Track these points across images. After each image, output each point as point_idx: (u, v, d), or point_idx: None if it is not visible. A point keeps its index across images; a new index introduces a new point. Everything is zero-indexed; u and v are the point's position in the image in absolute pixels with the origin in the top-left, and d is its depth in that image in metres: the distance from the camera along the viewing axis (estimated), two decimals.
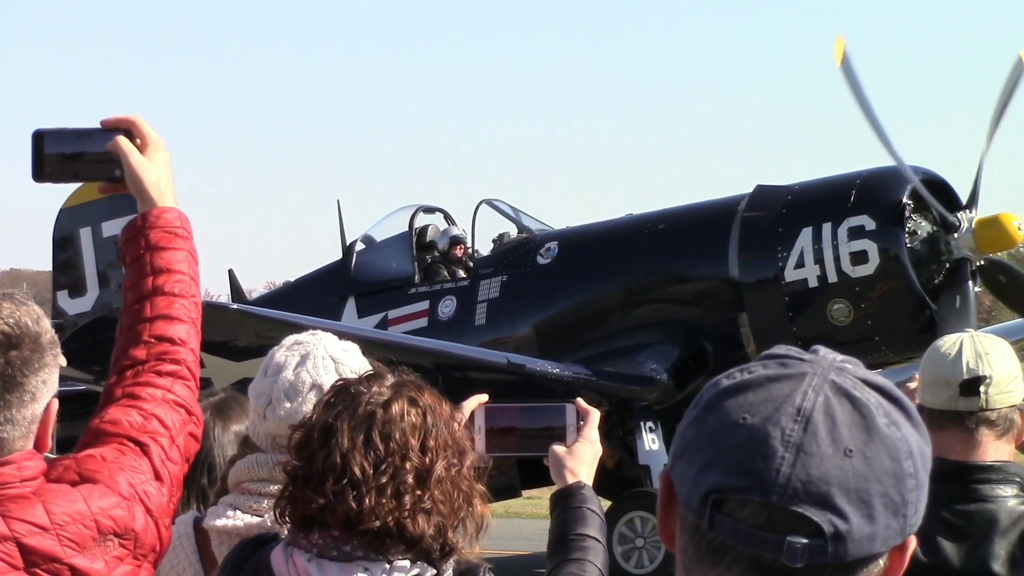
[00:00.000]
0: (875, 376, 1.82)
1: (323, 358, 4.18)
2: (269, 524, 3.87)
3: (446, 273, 16.96)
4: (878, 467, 1.77)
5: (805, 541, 1.73)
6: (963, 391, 4.13)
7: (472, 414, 4.17)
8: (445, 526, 3.46)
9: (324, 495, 3.40)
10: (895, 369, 14.23)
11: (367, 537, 3.40)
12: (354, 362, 4.21)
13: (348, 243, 17.66)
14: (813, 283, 14.35)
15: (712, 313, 14.77)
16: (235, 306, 13.56)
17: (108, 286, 18.93)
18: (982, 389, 4.12)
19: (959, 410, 4.13)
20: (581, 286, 16.08)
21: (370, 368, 3.91)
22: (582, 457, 3.94)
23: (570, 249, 16.34)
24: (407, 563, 3.40)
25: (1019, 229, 13.53)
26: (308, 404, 4.05)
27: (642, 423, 14.15)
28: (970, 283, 13.59)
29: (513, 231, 16.96)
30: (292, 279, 19.03)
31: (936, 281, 13.71)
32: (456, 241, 17.16)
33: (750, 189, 15.45)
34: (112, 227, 18.79)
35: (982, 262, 13.82)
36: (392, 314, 16.39)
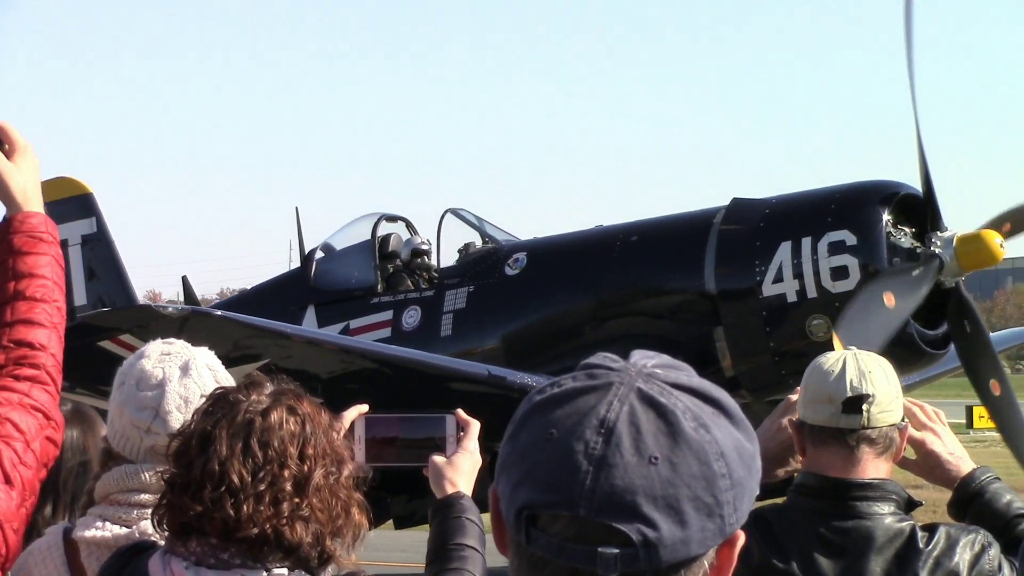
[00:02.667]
0: (691, 379, 1.89)
1: (203, 367, 4.29)
2: (138, 535, 3.96)
3: (410, 283, 16.96)
4: (686, 472, 1.82)
5: (616, 551, 1.80)
6: (846, 409, 4.26)
7: (352, 424, 4.32)
8: (323, 534, 3.58)
9: (202, 502, 3.49)
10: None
11: (245, 544, 3.52)
12: (215, 363, 4.39)
13: (307, 251, 17.74)
14: (792, 298, 14.22)
15: (687, 327, 14.70)
16: (218, 313, 13.60)
17: None
18: (864, 407, 4.26)
19: (841, 427, 4.26)
20: (551, 298, 16.02)
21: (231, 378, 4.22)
22: (461, 468, 4.07)
23: (539, 260, 16.31)
24: (284, 571, 3.54)
25: (1001, 246, 13.47)
26: (173, 417, 4.16)
27: None
28: (968, 299, 13.66)
29: (478, 241, 17.02)
30: (248, 287, 19.14)
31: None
32: (419, 251, 17.14)
33: (723, 202, 15.38)
34: (60, 231, 18.44)
35: (957, 283, 13.78)
36: (354, 323, 16.36)
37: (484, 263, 16.57)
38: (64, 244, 18.40)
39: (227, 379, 4.31)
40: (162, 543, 3.62)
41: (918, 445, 4.60)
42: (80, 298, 18.55)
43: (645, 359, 1.94)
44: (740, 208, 14.96)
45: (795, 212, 14.57)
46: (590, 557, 1.82)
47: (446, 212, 17.03)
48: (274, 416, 3.59)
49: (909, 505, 4.34)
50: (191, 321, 12.98)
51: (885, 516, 4.27)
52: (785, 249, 14.28)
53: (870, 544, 4.24)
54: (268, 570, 3.55)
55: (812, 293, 14.06)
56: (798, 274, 14.15)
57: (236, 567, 3.54)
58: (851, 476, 4.28)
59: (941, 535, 4.24)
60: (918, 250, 13.64)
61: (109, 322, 13.51)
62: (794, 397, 4.50)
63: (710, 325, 14.63)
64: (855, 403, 4.28)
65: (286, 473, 3.55)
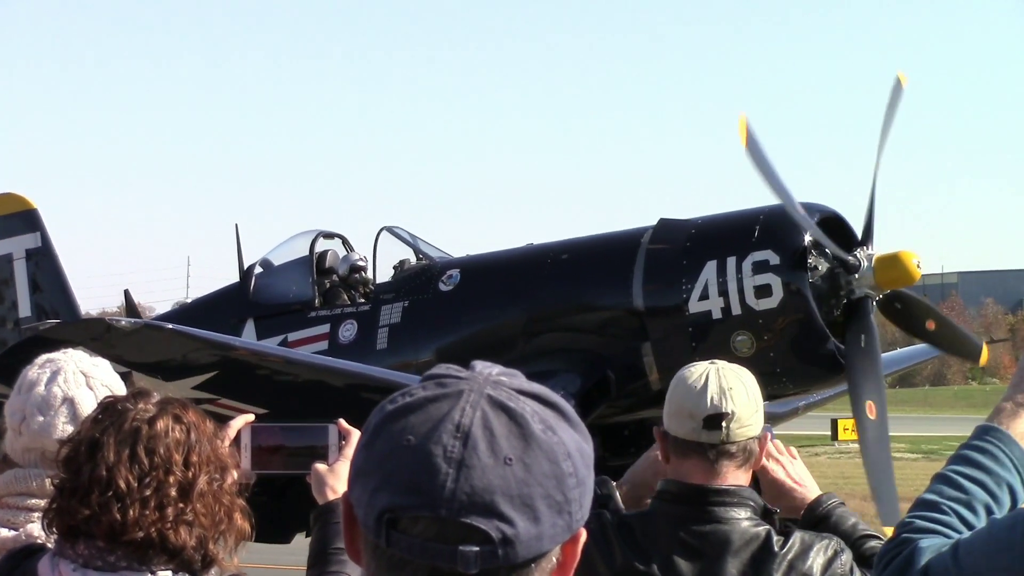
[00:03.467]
0: (532, 385, 1.95)
1: (73, 373, 4.31)
2: (24, 538, 4.01)
3: (346, 297, 17.05)
4: (538, 471, 1.88)
5: (476, 549, 1.84)
6: (706, 425, 4.31)
7: (239, 432, 4.34)
8: (206, 538, 3.61)
9: (90, 507, 3.50)
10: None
11: (131, 547, 3.52)
12: (105, 376, 4.39)
13: (246, 266, 17.74)
14: (717, 315, 14.34)
15: (615, 342, 14.76)
16: (169, 326, 13.69)
17: (2, 302, 18.95)
18: (724, 424, 4.32)
19: (701, 441, 4.32)
20: (483, 313, 16.11)
21: (123, 383, 4.21)
22: (342, 475, 4.07)
23: (472, 277, 16.39)
24: (169, 573, 3.55)
25: (918, 267, 13.73)
26: (60, 417, 4.26)
27: None
28: (872, 319, 13.78)
29: (413, 258, 17.08)
30: (188, 300, 19.11)
31: (836, 314, 13.90)
32: (355, 267, 17.27)
33: (650, 222, 15.47)
34: (4, 245, 18.94)
35: (881, 297, 14.04)
36: (292, 336, 16.43)
37: (419, 279, 16.63)
38: (8, 258, 18.41)
39: (106, 383, 4.38)
40: (51, 546, 3.65)
41: (762, 473, 4.64)
42: (24, 310, 18.73)
43: (488, 368, 1.99)
44: (667, 228, 15.09)
45: (720, 232, 14.71)
46: (451, 555, 1.87)
47: (382, 230, 17.14)
48: (160, 424, 3.63)
49: (766, 513, 4.40)
50: (143, 333, 13.05)
51: (742, 520, 4.33)
52: (711, 268, 14.41)
53: (727, 547, 4.30)
54: (153, 572, 3.59)
55: (736, 310, 14.20)
56: (723, 292, 14.28)
57: (122, 569, 3.57)
58: (710, 484, 4.35)
59: (796, 539, 4.32)
60: (837, 271, 13.91)
61: (63, 335, 13.28)
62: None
63: (638, 340, 14.70)
64: (715, 420, 4.36)
65: (171, 479, 3.60)
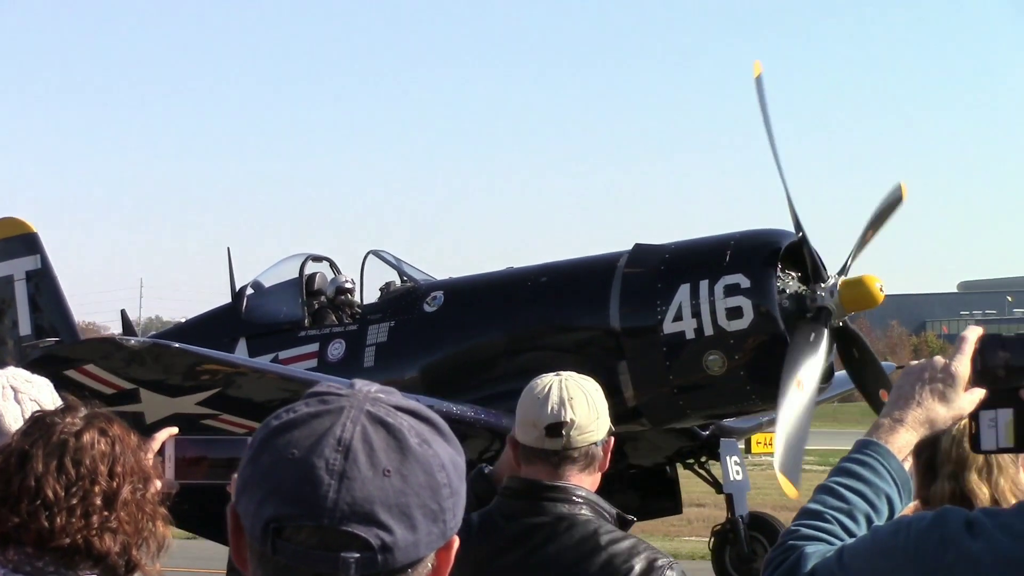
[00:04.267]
0: (407, 401, 2.02)
1: (2, 387, 4.41)
2: None
3: (334, 318, 17.31)
4: (414, 482, 1.94)
5: (357, 555, 1.91)
6: (548, 433, 4.45)
7: (163, 445, 4.39)
8: (130, 544, 3.65)
9: (19, 515, 3.57)
10: None
11: (58, 553, 3.58)
12: (36, 392, 4.47)
13: (238, 288, 17.97)
14: (690, 335, 14.63)
15: (593, 361, 14.74)
16: (176, 345, 13.96)
17: (2, 321, 19.19)
18: (564, 432, 4.44)
19: (545, 448, 4.46)
20: (466, 333, 16.33)
21: (59, 399, 4.22)
22: None
23: (455, 298, 16.65)
24: None
25: (881, 290, 14.13)
26: None
27: (728, 457, 15.10)
28: (827, 328, 14.06)
29: (398, 280, 17.29)
30: (183, 319, 19.43)
31: None
32: (342, 289, 17.52)
33: (625, 247, 15.79)
34: (5, 267, 19.19)
35: (844, 321, 14.44)
36: (283, 354, 16.67)
37: (404, 300, 16.89)
38: (9, 279, 18.68)
39: (35, 398, 4.42)
40: None
41: None
42: (25, 328, 18.98)
43: (367, 386, 2.04)
44: (642, 253, 15.43)
45: (693, 257, 15.05)
46: (333, 562, 1.92)
47: (368, 253, 17.48)
48: (86, 437, 3.68)
49: (622, 522, 4.52)
50: (151, 351, 13.48)
51: (573, 515, 4.45)
52: (684, 291, 14.76)
53: (552, 537, 4.42)
54: None
55: (709, 331, 14.55)
56: (696, 313, 14.62)
57: (50, 574, 3.61)
58: (546, 481, 4.48)
59: (627, 543, 4.42)
60: (803, 293, 14.32)
61: (75, 354, 13.85)
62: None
63: (614, 359, 15.02)
64: (556, 428, 4.47)
65: (96, 489, 3.63)
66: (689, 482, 18.11)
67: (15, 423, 4.25)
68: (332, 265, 17.94)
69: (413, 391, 15.17)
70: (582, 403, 4.49)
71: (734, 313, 14.49)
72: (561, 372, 4.59)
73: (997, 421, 3.07)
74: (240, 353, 16.57)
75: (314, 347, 16.85)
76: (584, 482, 4.52)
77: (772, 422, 18.31)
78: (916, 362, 3.19)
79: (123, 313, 20.01)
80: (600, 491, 4.65)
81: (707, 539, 17.15)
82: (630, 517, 4.59)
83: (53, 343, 18.64)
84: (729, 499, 15.62)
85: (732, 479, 15.16)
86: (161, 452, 4.40)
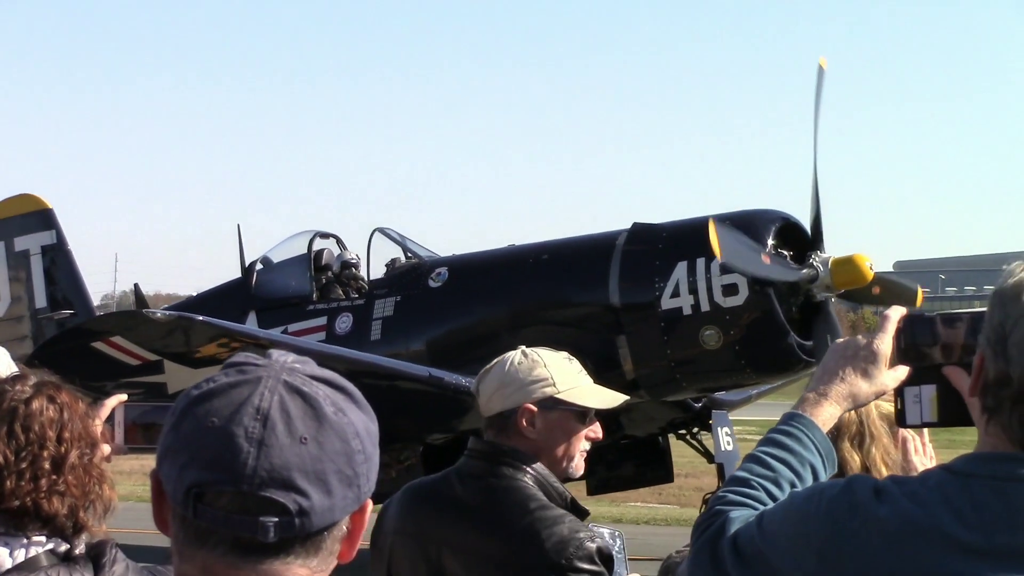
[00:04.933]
0: (323, 371, 2.06)
1: None
2: None
3: (340, 292, 17.50)
4: (330, 449, 1.97)
5: (276, 519, 1.93)
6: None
7: (113, 411, 4.39)
8: (77, 507, 3.67)
9: None
10: None
11: (8, 515, 3.62)
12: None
13: (248, 263, 18.17)
14: (687, 311, 14.81)
15: (593, 335, 15.08)
16: (200, 318, 14.21)
17: (21, 294, 19.50)
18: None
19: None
20: (470, 308, 16.47)
21: (15, 370, 4.26)
22: None
23: (459, 274, 16.82)
24: (43, 538, 3.64)
25: (871, 268, 14.40)
26: None
27: (719, 428, 15.12)
28: (836, 318, 14.46)
29: (403, 257, 17.45)
30: (195, 293, 19.69)
31: (794, 311, 14.50)
32: (348, 264, 17.75)
33: (623, 226, 15.97)
34: (22, 242, 19.48)
35: (835, 298, 14.69)
36: (292, 327, 16.85)
37: (409, 276, 17.06)
38: (26, 254, 19.08)
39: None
40: None
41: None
42: (40, 301, 19.31)
43: (284, 356, 2.07)
44: (640, 231, 15.62)
45: (690, 235, 15.08)
46: (252, 526, 1.94)
47: (374, 231, 17.60)
48: (35, 404, 3.71)
49: (575, 508, 4.47)
50: (176, 323, 13.83)
51: (516, 483, 4.45)
52: (682, 268, 14.95)
53: (497, 499, 4.43)
54: (28, 538, 3.64)
55: (705, 307, 14.76)
56: (693, 290, 14.82)
57: (0, 535, 3.62)
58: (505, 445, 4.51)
59: (556, 512, 4.38)
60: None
61: (102, 326, 14.14)
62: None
63: (614, 333, 15.22)
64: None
65: (45, 454, 3.66)
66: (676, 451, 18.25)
67: None
68: (339, 242, 18.11)
69: (420, 363, 15.57)
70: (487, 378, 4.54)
71: (729, 290, 14.65)
72: (520, 347, 4.63)
73: (921, 397, 3.09)
74: (250, 326, 16.72)
75: (322, 320, 16.99)
76: (520, 444, 4.48)
77: (761, 394, 18.69)
78: (841, 339, 3.27)
79: (136, 287, 20.24)
80: (595, 460, 4.66)
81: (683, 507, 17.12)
82: (585, 508, 4.58)
83: (68, 315, 18.96)
84: (720, 468, 15.94)
85: (723, 449, 15.36)
86: (111, 419, 4.40)
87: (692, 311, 14.93)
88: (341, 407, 2.01)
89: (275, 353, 2.07)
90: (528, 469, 4.46)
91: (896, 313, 3.16)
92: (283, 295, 17.59)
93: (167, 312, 14.68)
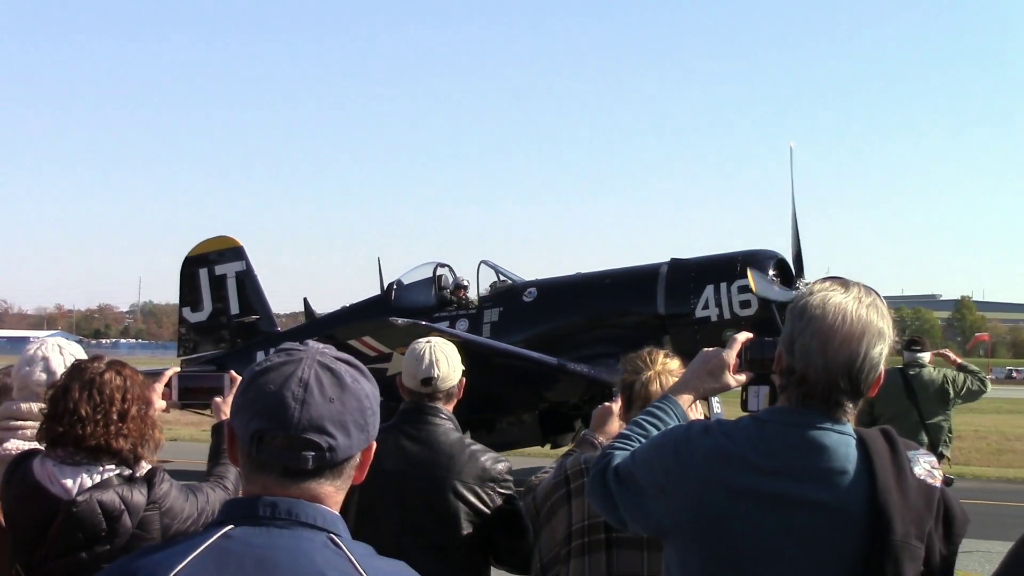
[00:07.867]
0: (342, 355, 2.57)
1: (52, 346, 5.06)
2: (11, 449, 4.66)
3: (452, 306, 20.81)
4: (350, 406, 2.48)
5: (313, 454, 2.44)
6: (422, 384, 5.34)
7: (170, 379, 5.01)
8: (136, 445, 4.25)
9: (63, 426, 4.20)
10: None
11: (88, 451, 4.19)
12: (72, 349, 5.08)
13: (386, 284, 21.53)
14: (714, 319, 18.13)
15: (645, 336, 17.38)
16: (423, 323, 16.43)
17: (223, 307, 22.92)
18: (432, 380, 5.33)
19: (421, 391, 5.32)
20: (554, 317, 19.68)
21: (85, 356, 4.74)
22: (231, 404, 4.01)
23: (545, 293, 20.10)
24: (113, 466, 4.21)
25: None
26: (37, 368, 4.99)
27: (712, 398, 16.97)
28: None
29: (497, 280, 20.82)
30: (347, 305, 22.44)
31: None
32: (460, 286, 21.12)
33: (661, 259, 18.90)
34: (221, 269, 22.94)
35: None
36: None
37: (508, 293, 19.97)
38: (224, 278, 23.17)
39: (73, 352, 5.03)
40: (42, 450, 4.27)
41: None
42: (234, 308, 22.90)
43: (317, 344, 2.55)
44: (678, 263, 18.64)
45: (715, 266, 18.18)
46: (296, 458, 2.42)
47: (480, 262, 20.65)
48: (107, 375, 4.25)
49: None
50: (411, 329, 15.70)
51: (446, 427, 5.29)
52: (709, 289, 18.17)
53: (437, 437, 5.28)
54: (103, 466, 4.16)
55: (727, 316, 18.05)
56: (718, 304, 18.12)
57: (84, 464, 4.15)
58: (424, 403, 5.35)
59: (480, 445, 5.31)
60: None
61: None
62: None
63: (660, 334, 18.33)
64: (427, 381, 5.29)
65: (113, 409, 4.18)
66: None
67: (60, 369, 4.88)
68: (451, 270, 21.56)
69: None
70: (444, 361, 5.33)
71: (744, 304, 18.02)
72: (430, 339, 5.44)
73: (759, 393, 3.70)
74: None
75: (445, 325, 19.66)
76: (448, 407, 5.39)
77: None
78: (708, 349, 3.84)
79: (305, 300, 23.36)
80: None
81: None
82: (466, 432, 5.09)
83: (255, 319, 22.37)
84: None
85: (715, 412, 16.16)
86: (169, 384, 4.99)
87: (717, 319, 18.23)
88: (356, 378, 2.53)
89: (311, 343, 2.57)
90: (447, 417, 5.38)
91: (742, 336, 3.82)
92: (414, 307, 20.77)
93: (406, 320, 16.67)
